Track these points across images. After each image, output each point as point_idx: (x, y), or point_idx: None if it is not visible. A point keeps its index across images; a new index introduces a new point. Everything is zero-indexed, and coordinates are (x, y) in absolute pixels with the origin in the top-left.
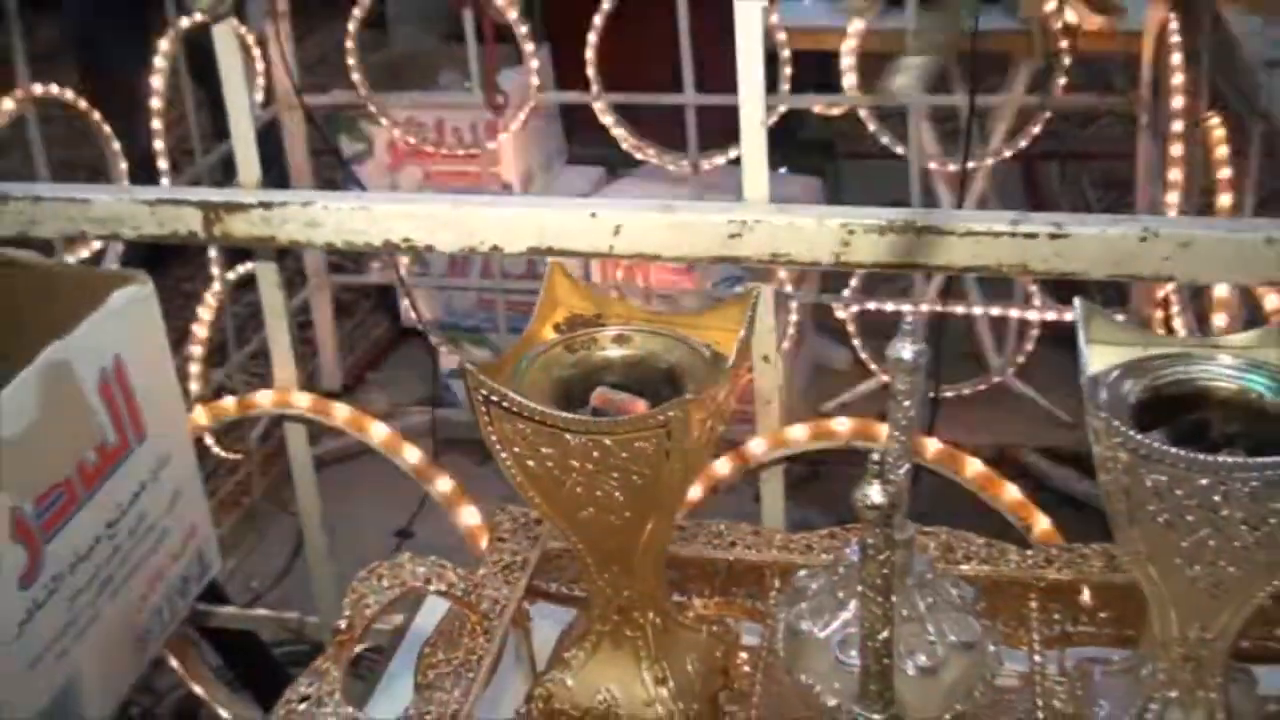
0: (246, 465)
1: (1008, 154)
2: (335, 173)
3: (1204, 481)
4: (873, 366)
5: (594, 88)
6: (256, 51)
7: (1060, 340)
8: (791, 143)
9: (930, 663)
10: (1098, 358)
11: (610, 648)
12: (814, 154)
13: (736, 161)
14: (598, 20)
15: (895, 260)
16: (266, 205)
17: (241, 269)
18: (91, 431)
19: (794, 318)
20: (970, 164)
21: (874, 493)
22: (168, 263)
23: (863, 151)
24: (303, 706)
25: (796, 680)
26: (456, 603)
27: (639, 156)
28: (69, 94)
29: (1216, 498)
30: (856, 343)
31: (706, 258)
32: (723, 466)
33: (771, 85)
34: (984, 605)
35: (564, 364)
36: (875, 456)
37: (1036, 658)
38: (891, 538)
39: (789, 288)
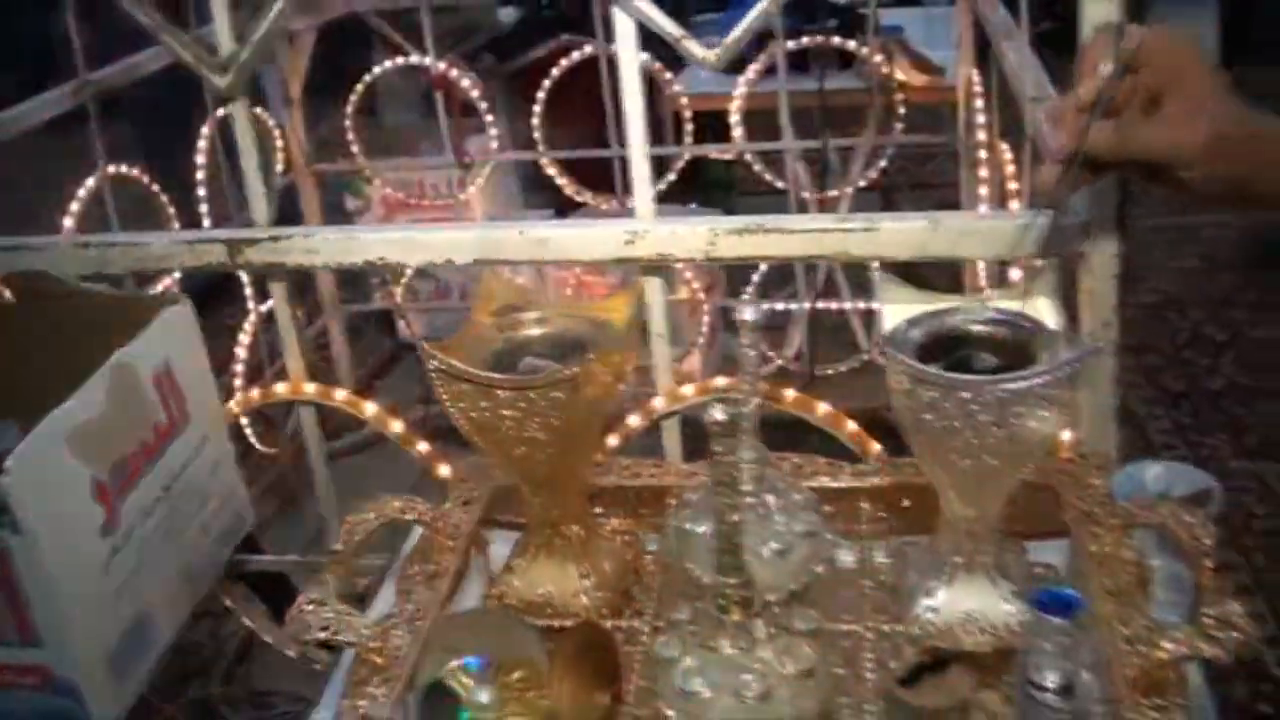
0: (280, 460)
1: (862, 184)
2: (341, 223)
3: (965, 395)
4: (770, 354)
5: (540, 148)
6: (277, 131)
7: None
8: (700, 183)
9: (781, 546)
10: (893, 314)
11: (546, 555)
12: (718, 192)
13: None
14: (541, 95)
15: (751, 254)
16: (275, 239)
17: (270, 303)
18: (149, 417)
19: (706, 319)
20: (834, 192)
21: (716, 411)
22: (214, 304)
23: (755, 189)
24: (310, 607)
25: (683, 566)
26: (426, 527)
27: (578, 200)
28: (135, 172)
29: (974, 407)
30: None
31: (611, 259)
32: (634, 419)
33: (679, 139)
34: (829, 508)
35: (497, 340)
36: (719, 383)
37: (866, 543)
38: (734, 445)
39: (701, 295)
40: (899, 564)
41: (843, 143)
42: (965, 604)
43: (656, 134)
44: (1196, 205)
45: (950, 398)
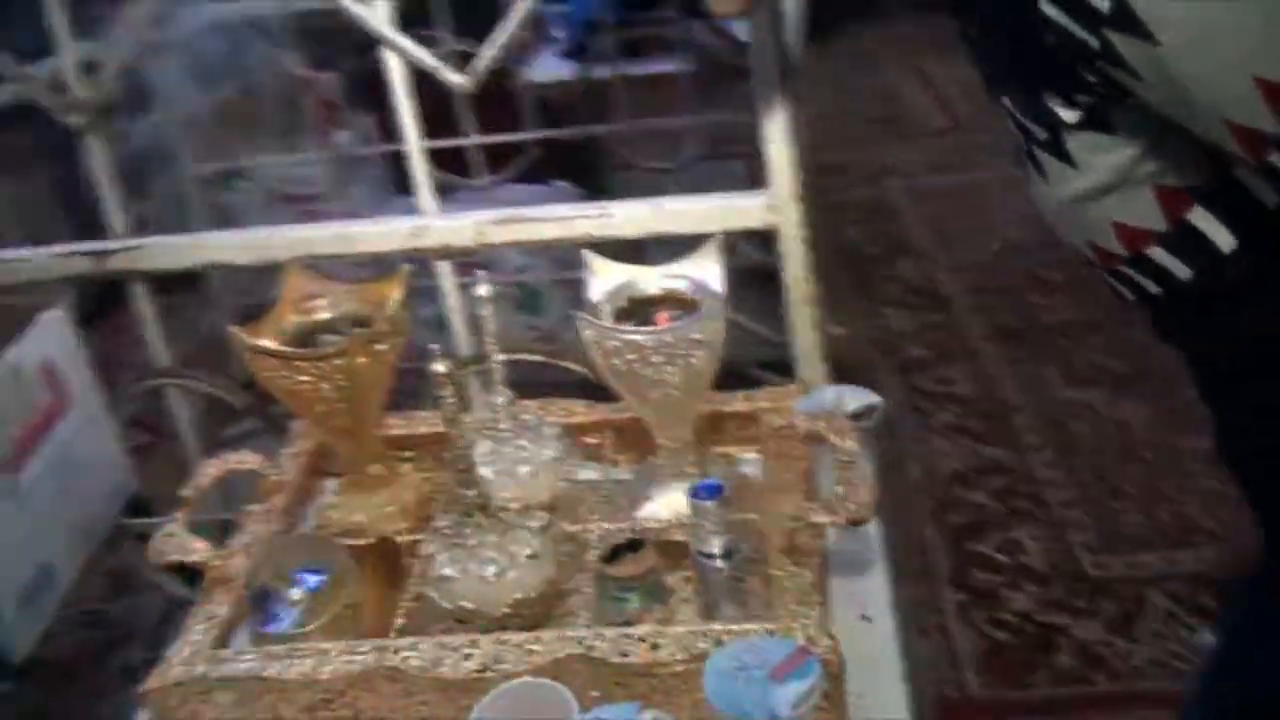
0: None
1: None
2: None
3: (645, 343)
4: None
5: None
6: None
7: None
8: (573, 163)
9: (532, 469)
10: (600, 284)
11: (356, 489)
12: (592, 170)
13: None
14: None
15: (515, 240)
16: (129, 248)
17: None
18: (37, 403)
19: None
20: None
21: (438, 365)
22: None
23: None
24: (167, 537)
25: (463, 492)
26: (260, 475)
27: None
28: None
29: (648, 352)
30: None
31: (401, 250)
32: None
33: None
34: (575, 439)
35: (296, 322)
36: (436, 348)
37: (608, 464)
38: (457, 391)
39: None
40: (638, 474)
41: (660, 124)
42: (675, 505)
43: (513, 119)
44: None
45: (632, 346)
